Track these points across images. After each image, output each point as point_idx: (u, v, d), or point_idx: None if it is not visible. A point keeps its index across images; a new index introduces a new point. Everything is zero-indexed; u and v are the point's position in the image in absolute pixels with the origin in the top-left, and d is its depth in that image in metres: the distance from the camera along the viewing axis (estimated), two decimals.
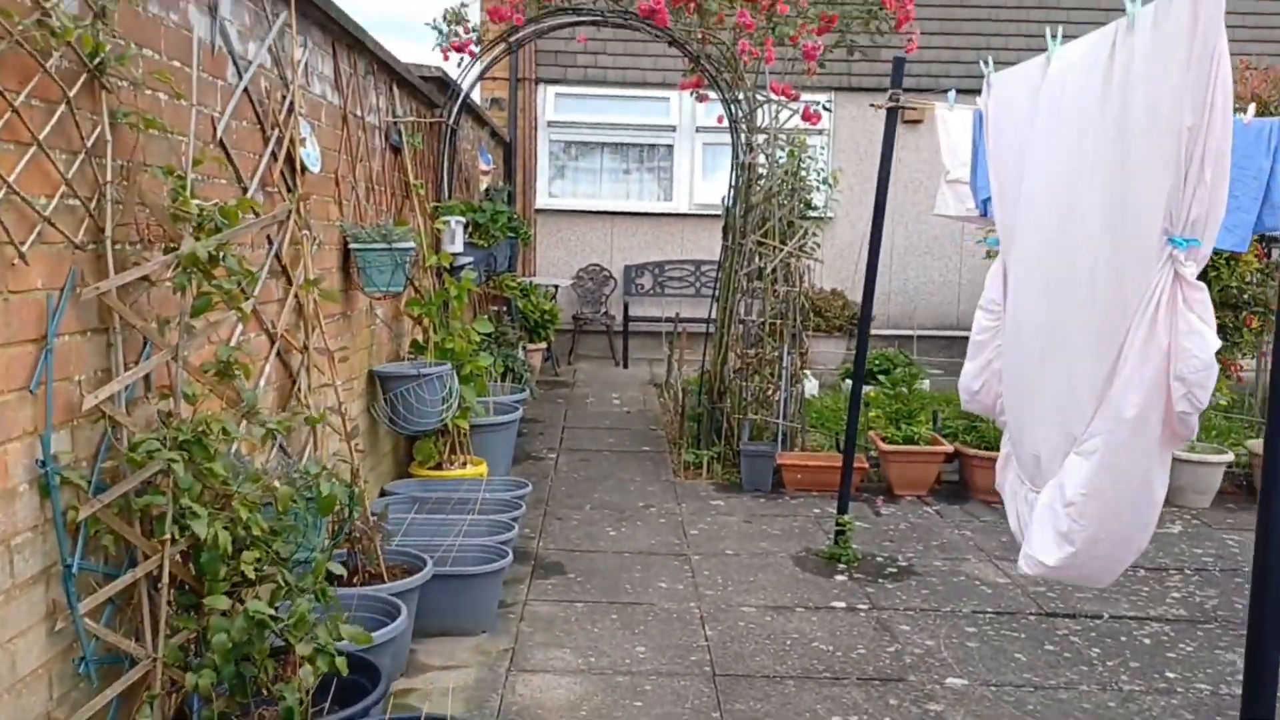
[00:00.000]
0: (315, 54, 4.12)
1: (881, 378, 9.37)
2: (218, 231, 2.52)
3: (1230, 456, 6.44)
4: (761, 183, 6.94)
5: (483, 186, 8.38)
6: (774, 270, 6.82)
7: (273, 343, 3.58)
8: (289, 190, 3.74)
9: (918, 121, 11.48)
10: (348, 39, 4.52)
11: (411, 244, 4.63)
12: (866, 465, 6.58)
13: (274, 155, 3.57)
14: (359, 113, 4.78)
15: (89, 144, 2.29)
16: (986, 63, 3.66)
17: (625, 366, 11.09)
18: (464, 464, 5.66)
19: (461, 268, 6.92)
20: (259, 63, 3.42)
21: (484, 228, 7.01)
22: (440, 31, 6.52)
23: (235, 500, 2.40)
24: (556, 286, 10.80)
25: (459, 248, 6.77)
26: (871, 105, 5.39)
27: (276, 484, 2.47)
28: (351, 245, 4.46)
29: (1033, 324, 3.17)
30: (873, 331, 11.24)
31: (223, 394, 2.69)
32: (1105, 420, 2.69)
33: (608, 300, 11.68)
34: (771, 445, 6.70)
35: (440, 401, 5.10)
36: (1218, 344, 2.54)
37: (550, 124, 11.58)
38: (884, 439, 6.62)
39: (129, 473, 2.35)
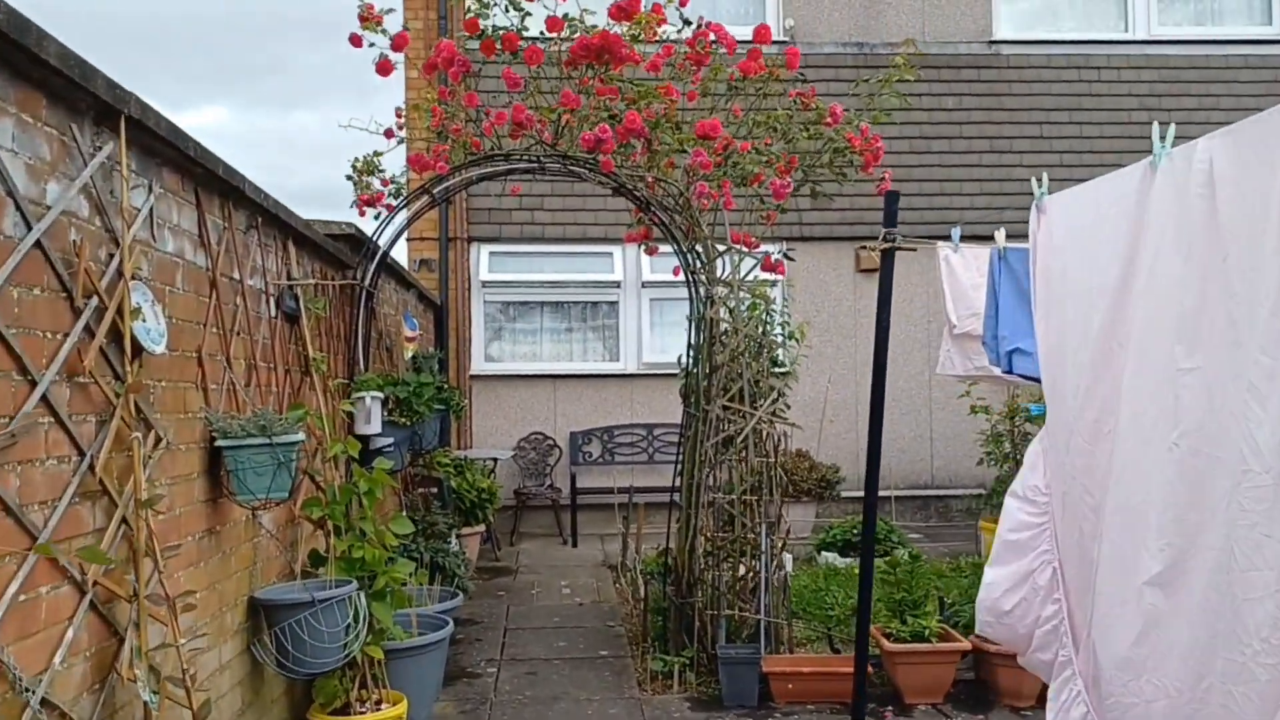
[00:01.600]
0: (167, 202, 3.20)
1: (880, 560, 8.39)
2: None
3: None
4: (725, 339, 6.10)
5: (408, 355, 7.45)
6: (745, 438, 5.91)
7: (82, 594, 2.52)
8: (117, 378, 2.75)
9: (874, 270, 10.91)
10: (218, 185, 3.63)
11: (300, 436, 3.63)
12: (869, 669, 5.52)
13: (89, 332, 2.60)
14: (236, 276, 3.84)
15: None
16: (1040, 180, 2.85)
17: (575, 545, 9.99)
18: (378, 703, 4.51)
19: (380, 451, 5.91)
20: (64, 209, 2.49)
21: (406, 402, 6.04)
22: (354, 183, 5.70)
23: None
24: (495, 460, 9.77)
25: (376, 428, 5.78)
26: (864, 248, 4.61)
27: None
28: (219, 442, 3.45)
29: (1169, 534, 2.23)
30: (843, 494, 10.39)
31: None
32: None
33: (553, 471, 10.66)
34: (753, 649, 5.63)
35: (343, 632, 3.99)
36: None
37: (485, 284, 10.79)
38: (887, 635, 5.59)
39: None
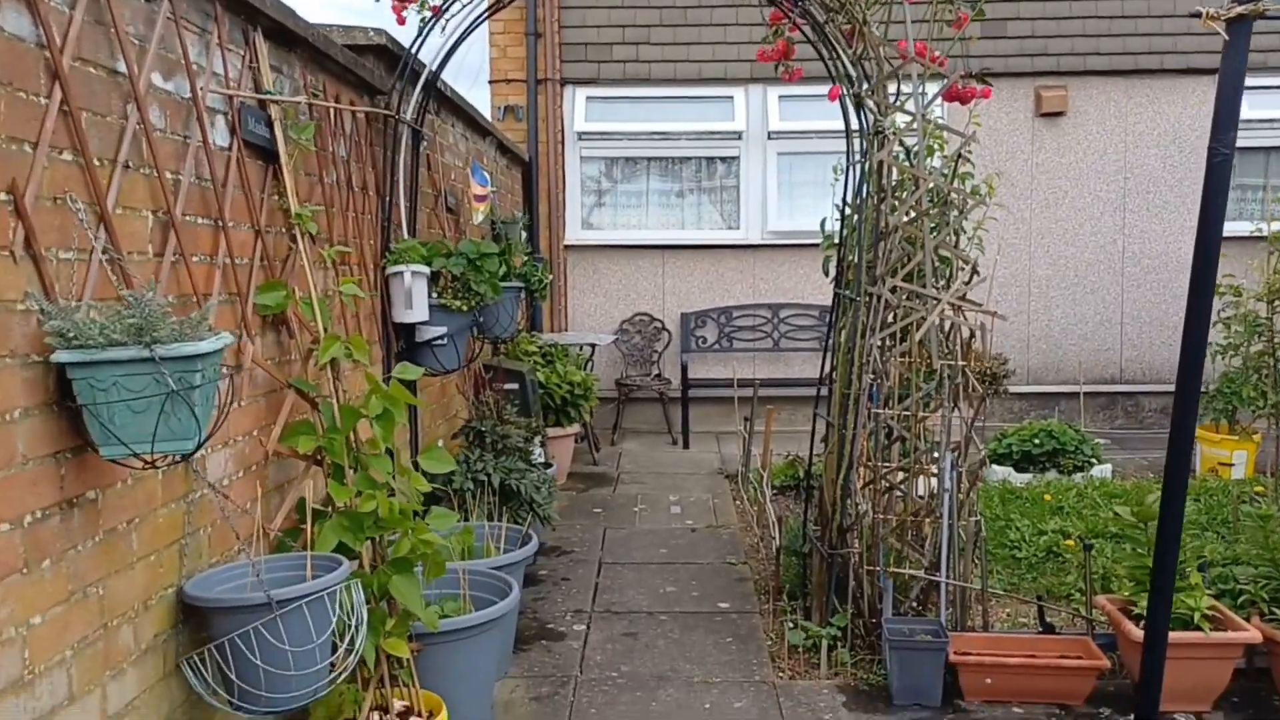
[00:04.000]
0: None
1: (1058, 471, 6.67)
2: None
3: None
4: (899, 193, 4.36)
5: (478, 218, 5.89)
6: (926, 333, 4.22)
7: None
8: None
9: (1058, 114, 8.81)
10: None
11: (217, 342, 2.10)
12: (1099, 660, 3.90)
13: None
14: (121, 68, 2.28)
15: None
16: None
17: (686, 446, 8.49)
18: (404, 716, 3.12)
19: (429, 345, 4.43)
20: None
21: (463, 280, 4.50)
22: None
23: None
24: (594, 346, 8.27)
25: (420, 314, 4.29)
26: (1199, 12, 2.68)
27: None
28: (58, 355, 1.95)
29: None
30: (1011, 388, 8.57)
31: None
32: None
33: (660, 359, 9.12)
34: (933, 627, 4.05)
35: (328, 647, 2.55)
36: None
37: (581, 135, 9.09)
38: (1129, 613, 3.94)
39: None
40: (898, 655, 3.92)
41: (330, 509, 2.99)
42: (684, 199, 9.36)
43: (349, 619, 2.61)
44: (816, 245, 9.13)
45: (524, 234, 7.81)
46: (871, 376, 4.29)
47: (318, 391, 3.12)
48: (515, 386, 6.33)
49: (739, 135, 9.04)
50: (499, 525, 4.44)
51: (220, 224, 2.74)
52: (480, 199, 5.92)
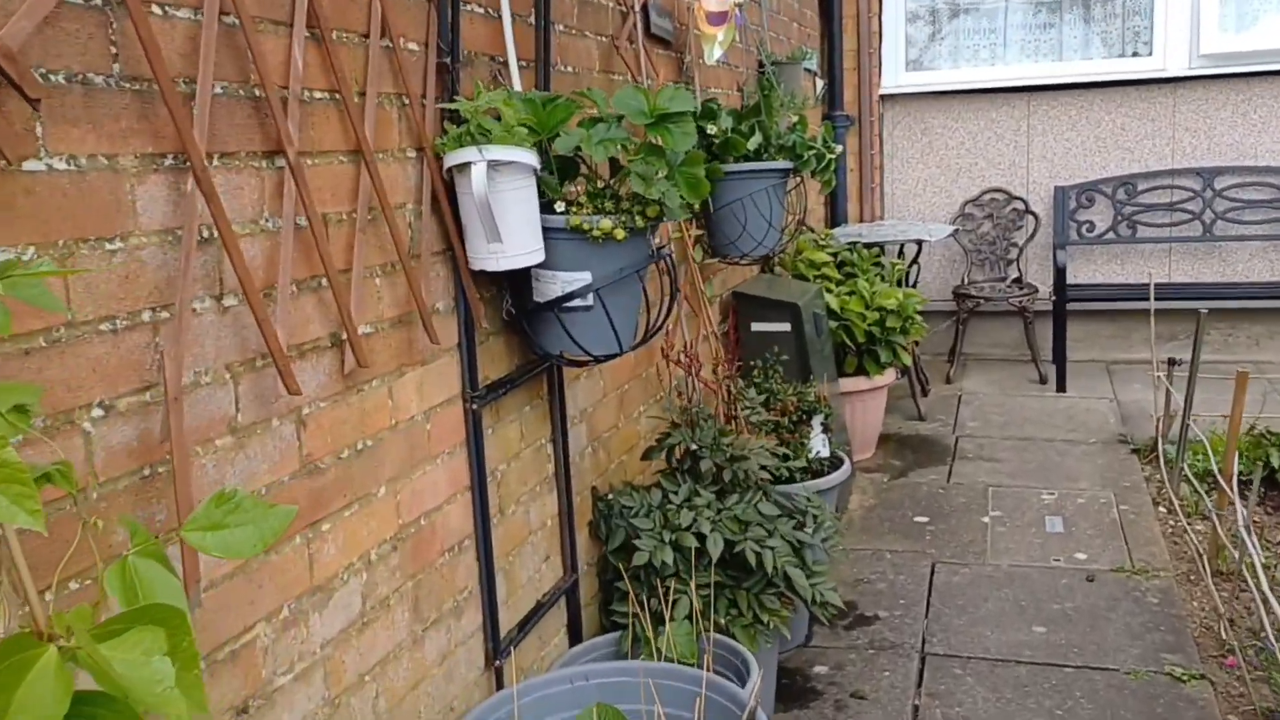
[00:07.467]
0: None
1: None
2: None
3: None
4: None
5: (713, 54, 3.46)
6: None
7: None
8: None
9: None
10: None
11: None
12: None
13: None
14: None
15: None
16: None
17: (1061, 388, 5.73)
18: None
19: (561, 306, 2.17)
20: None
21: (624, 177, 2.16)
22: None
23: None
24: (920, 243, 5.64)
25: (523, 249, 2.04)
26: None
27: None
28: None
29: None
30: None
31: None
32: None
33: (1022, 256, 6.31)
34: None
35: None
36: None
37: None
38: None
39: None
40: None
41: None
42: (1060, 17, 6.32)
43: None
44: None
45: (817, 82, 5.28)
46: None
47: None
48: (784, 328, 3.96)
49: None
50: (696, 668, 2.16)
51: None
52: (717, 19, 3.47)
